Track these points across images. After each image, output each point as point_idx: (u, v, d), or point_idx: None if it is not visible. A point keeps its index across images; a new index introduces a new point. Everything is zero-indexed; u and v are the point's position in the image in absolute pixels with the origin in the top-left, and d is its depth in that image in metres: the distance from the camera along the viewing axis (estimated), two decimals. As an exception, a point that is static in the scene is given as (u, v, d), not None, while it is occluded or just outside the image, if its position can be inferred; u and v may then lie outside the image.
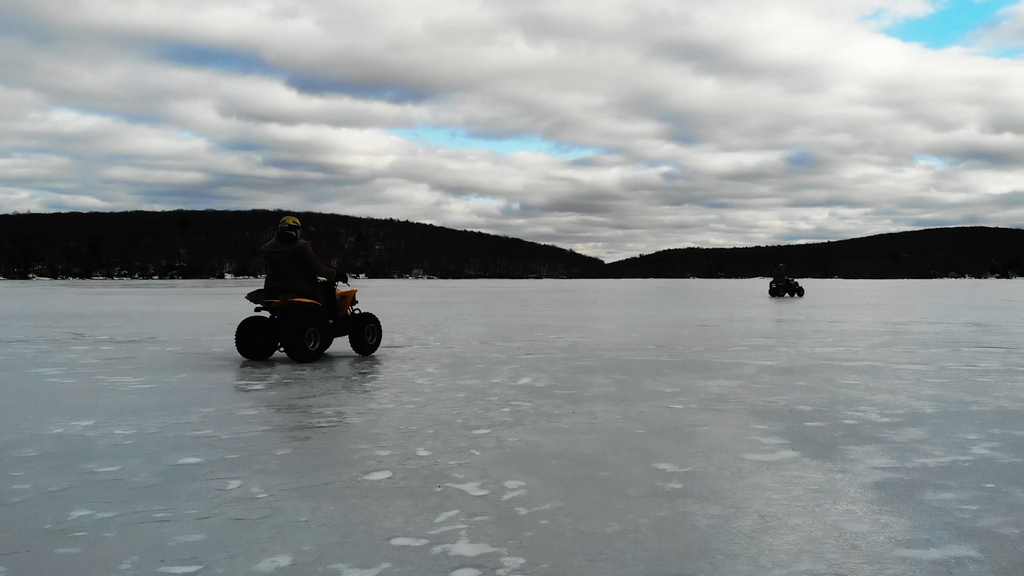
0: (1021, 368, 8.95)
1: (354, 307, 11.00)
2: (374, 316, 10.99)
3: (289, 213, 12.26)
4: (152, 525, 3.38)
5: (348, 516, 3.50)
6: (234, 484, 4.02)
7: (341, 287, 10.90)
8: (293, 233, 10.12)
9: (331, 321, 10.41)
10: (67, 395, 7.05)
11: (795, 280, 39.52)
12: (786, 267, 40.66)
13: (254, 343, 10.04)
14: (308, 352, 9.67)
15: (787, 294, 38.35)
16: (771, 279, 39.83)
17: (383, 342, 11.71)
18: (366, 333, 10.66)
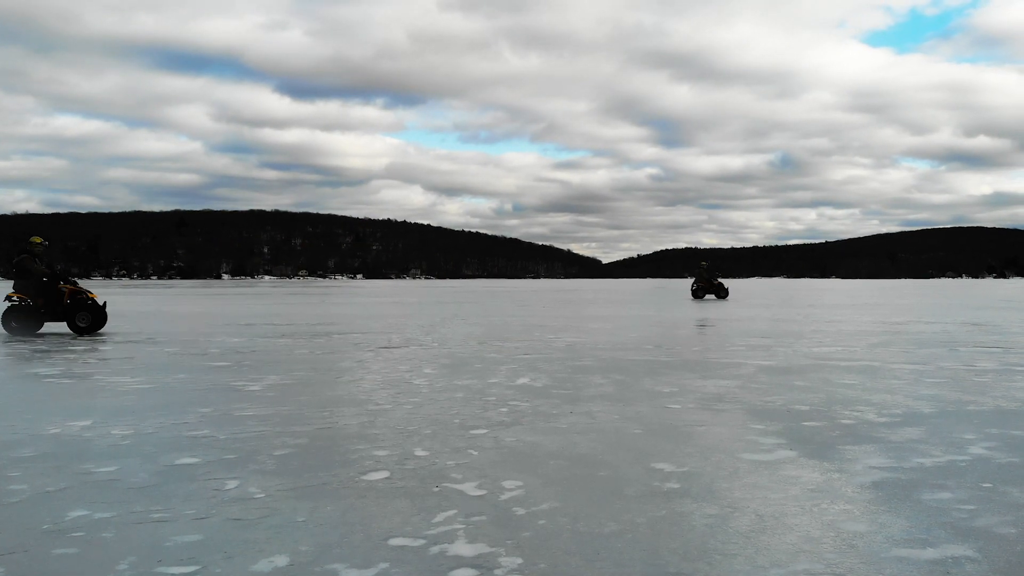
0: (1018, 368, 8.96)
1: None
2: (96, 306, 14.24)
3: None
4: (150, 525, 3.37)
5: (346, 516, 3.50)
6: (232, 484, 4.02)
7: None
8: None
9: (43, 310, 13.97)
10: (65, 395, 7.04)
11: (719, 280, 36.43)
12: (710, 265, 37.62)
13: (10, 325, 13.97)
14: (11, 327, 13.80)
15: (710, 295, 35.41)
16: (693, 279, 37.00)
17: (379, 343, 11.75)
18: (77, 319, 14.04)
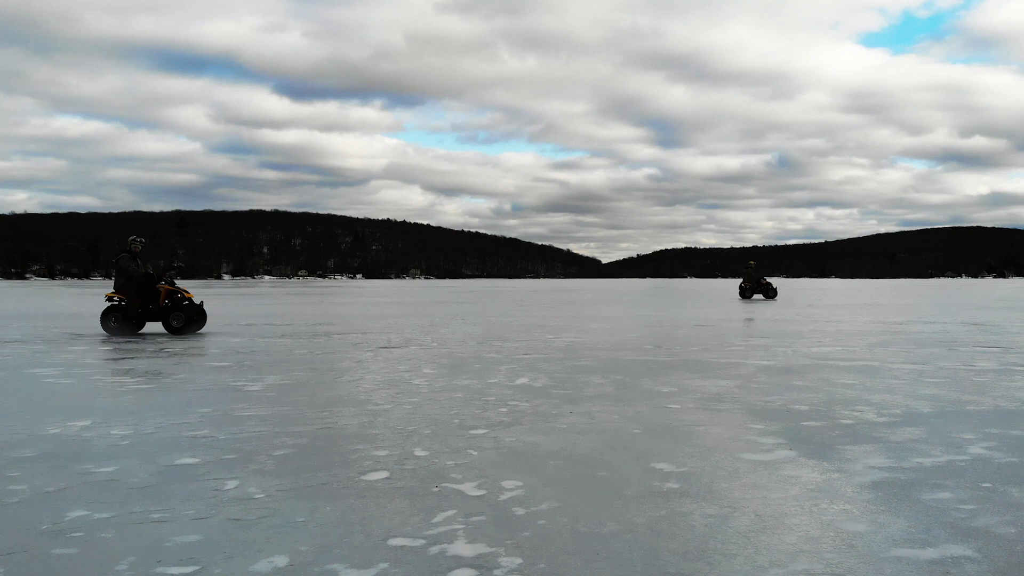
0: (1018, 368, 8.96)
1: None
2: (196, 307, 14.36)
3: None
4: (149, 526, 3.37)
5: (345, 516, 3.50)
6: (231, 485, 4.02)
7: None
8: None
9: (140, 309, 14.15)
10: (64, 395, 7.04)
11: (767, 280, 35.63)
12: (757, 264, 36.51)
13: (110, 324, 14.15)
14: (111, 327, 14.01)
15: (758, 295, 34.69)
16: (740, 279, 36.18)
17: (379, 343, 11.76)
18: (171, 319, 14.13)
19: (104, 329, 14.07)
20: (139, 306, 14.10)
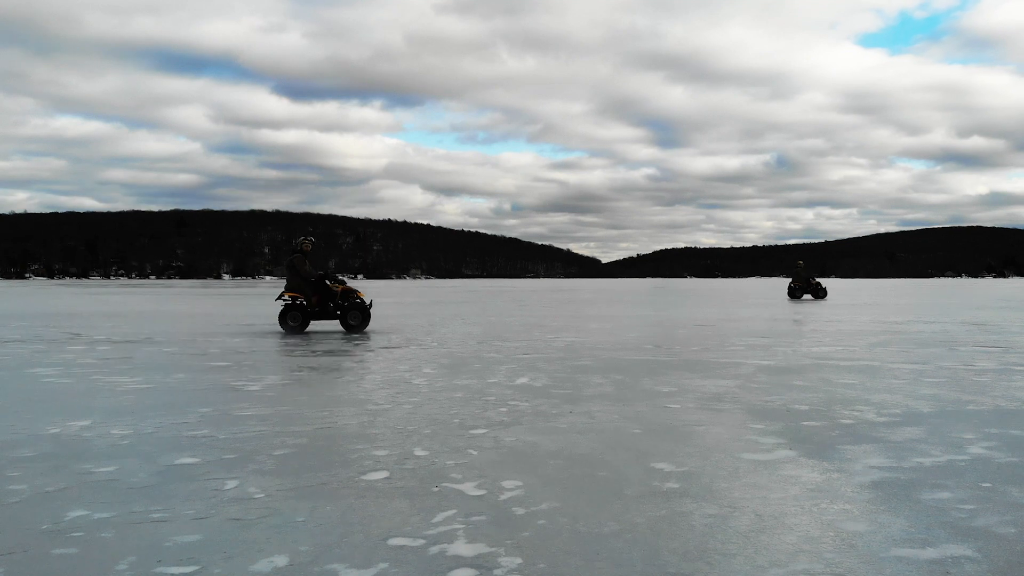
0: (1018, 367, 8.96)
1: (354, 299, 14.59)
2: (365, 305, 14.68)
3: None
4: (149, 525, 3.37)
5: (345, 516, 3.50)
6: (231, 484, 4.02)
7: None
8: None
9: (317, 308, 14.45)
10: (64, 395, 7.04)
11: (816, 279, 34.83)
12: (806, 264, 35.71)
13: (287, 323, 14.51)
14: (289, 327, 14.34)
15: (808, 295, 34.08)
16: (790, 279, 35.46)
17: (379, 343, 11.78)
18: (349, 318, 14.53)
19: (282, 327, 14.52)
20: (315, 305, 14.51)
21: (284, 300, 14.54)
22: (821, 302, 30.71)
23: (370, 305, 14.91)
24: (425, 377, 8.20)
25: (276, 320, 15.81)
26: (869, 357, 10.05)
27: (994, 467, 4.38)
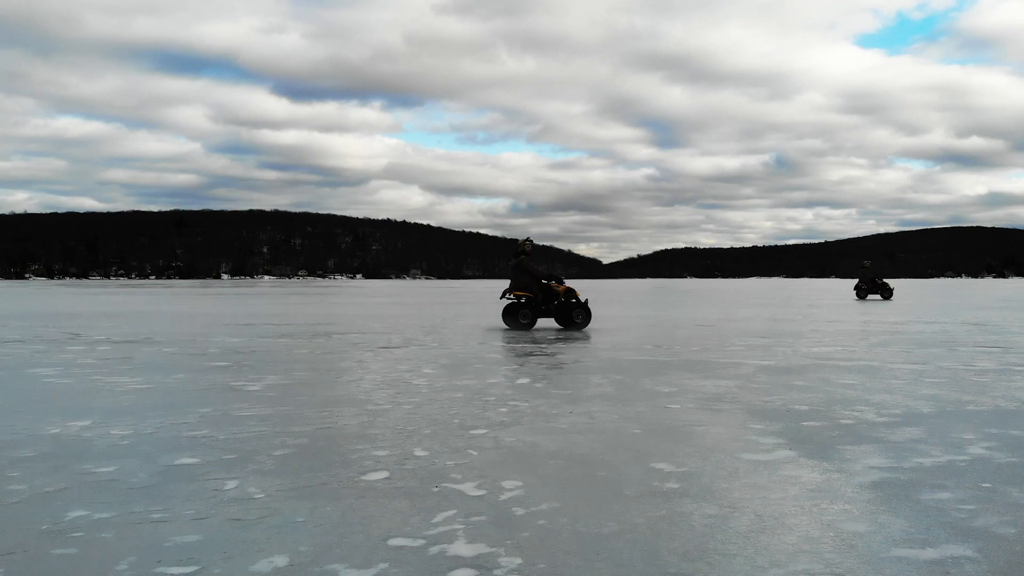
0: (1018, 368, 8.96)
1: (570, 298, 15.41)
2: (585, 305, 15.55)
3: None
4: (149, 526, 3.37)
5: (345, 516, 3.50)
6: (231, 484, 4.02)
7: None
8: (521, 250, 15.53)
9: (544, 307, 15.33)
10: (64, 395, 7.04)
11: (883, 280, 33.98)
12: (872, 264, 35.03)
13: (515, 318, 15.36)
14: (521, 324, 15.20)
15: (874, 295, 33.41)
16: (856, 279, 34.82)
17: (379, 343, 11.77)
18: (574, 316, 15.36)
19: (509, 325, 15.42)
20: (541, 303, 15.34)
21: (509, 298, 15.48)
22: (888, 303, 29.79)
23: (586, 303, 15.73)
24: (425, 377, 8.20)
25: (273, 320, 15.80)
26: (869, 357, 10.05)
27: (994, 467, 4.38)
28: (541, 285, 15.41)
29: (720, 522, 3.41)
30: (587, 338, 13.30)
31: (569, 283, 17.78)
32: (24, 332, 14.93)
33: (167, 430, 5.43)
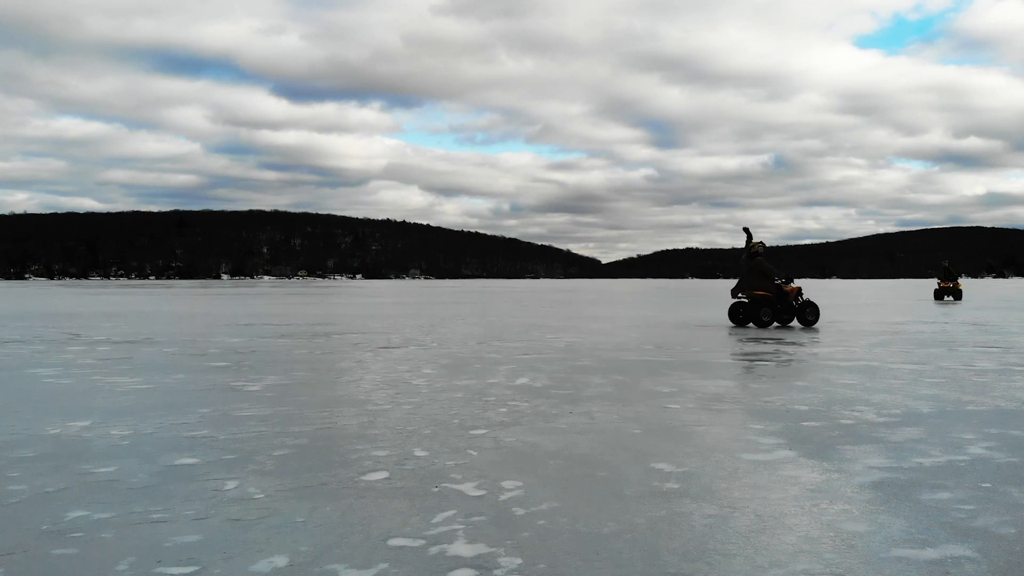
0: (1018, 368, 8.96)
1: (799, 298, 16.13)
2: (812, 303, 16.34)
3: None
4: (149, 526, 3.37)
5: (345, 517, 3.50)
6: (231, 485, 4.02)
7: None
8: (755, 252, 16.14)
9: (779, 306, 15.94)
10: (64, 396, 7.04)
11: (959, 282, 33.54)
12: (950, 265, 34.17)
13: (738, 317, 16.23)
14: (763, 322, 15.82)
15: (949, 297, 32.89)
16: (937, 279, 34.09)
17: (379, 343, 11.76)
18: (806, 314, 16.04)
19: (732, 322, 16.36)
20: (778, 302, 15.97)
21: (741, 297, 16.13)
22: (960, 303, 29.41)
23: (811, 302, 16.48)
24: (425, 377, 8.20)
25: (273, 320, 15.78)
26: (869, 357, 10.05)
27: (994, 467, 4.38)
28: (779, 285, 16.00)
29: (720, 522, 3.41)
30: (586, 339, 13.30)
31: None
32: (24, 332, 14.93)
33: (167, 430, 5.43)
